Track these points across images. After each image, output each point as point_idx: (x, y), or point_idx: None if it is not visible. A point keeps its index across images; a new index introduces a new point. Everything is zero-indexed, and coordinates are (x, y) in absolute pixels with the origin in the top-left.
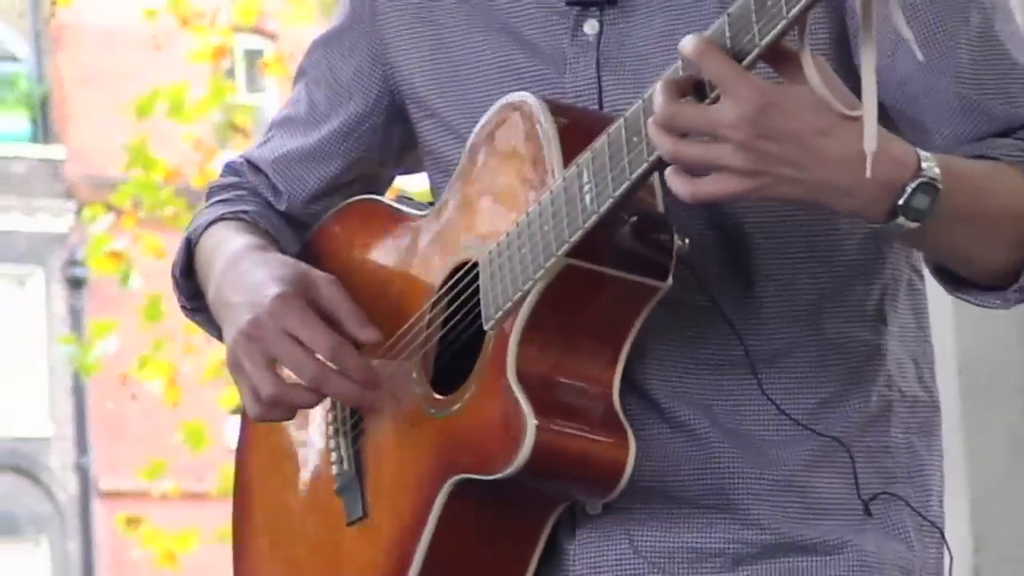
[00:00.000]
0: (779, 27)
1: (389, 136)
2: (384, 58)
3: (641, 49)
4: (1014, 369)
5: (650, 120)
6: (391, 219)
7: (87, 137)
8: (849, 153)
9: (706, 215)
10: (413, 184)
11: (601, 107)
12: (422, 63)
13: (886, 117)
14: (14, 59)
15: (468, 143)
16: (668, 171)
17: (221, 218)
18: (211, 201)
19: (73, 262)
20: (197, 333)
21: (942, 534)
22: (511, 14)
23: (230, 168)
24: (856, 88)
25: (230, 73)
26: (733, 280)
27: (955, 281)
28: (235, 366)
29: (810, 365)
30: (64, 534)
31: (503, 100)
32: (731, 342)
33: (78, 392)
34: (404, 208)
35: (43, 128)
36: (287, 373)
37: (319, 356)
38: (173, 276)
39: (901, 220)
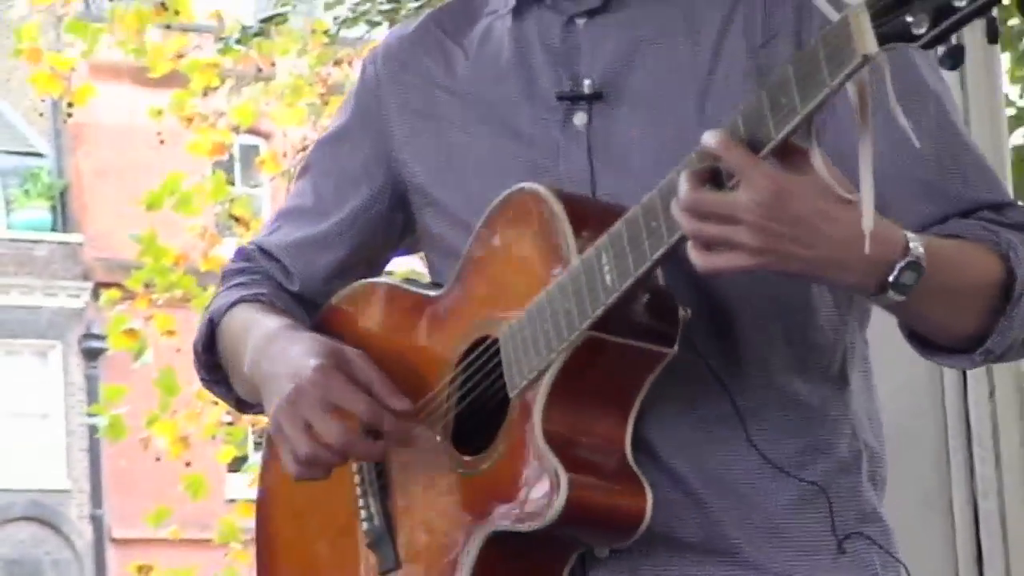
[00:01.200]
0: (794, 122)
1: (392, 222)
2: (388, 151)
3: (627, 139)
4: (926, 438)
5: (675, 204)
6: (404, 298)
7: (102, 224)
8: (848, 234)
9: (696, 291)
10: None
11: (594, 192)
12: (424, 155)
13: None
14: (37, 155)
15: (477, 228)
16: (689, 246)
17: (242, 300)
18: (227, 285)
19: (89, 335)
20: (205, 399)
21: (907, 570)
22: (504, 108)
23: (241, 254)
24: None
25: (229, 167)
26: (721, 346)
27: (926, 344)
28: (277, 430)
29: (789, 419)
30: None
31: (514, 187)
32: (721, 399)
33: (93, 451)
34: (414, 288)
35: (63, 217)
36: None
37: (357, 422)
38: (195, 351)
39: (891, 294)
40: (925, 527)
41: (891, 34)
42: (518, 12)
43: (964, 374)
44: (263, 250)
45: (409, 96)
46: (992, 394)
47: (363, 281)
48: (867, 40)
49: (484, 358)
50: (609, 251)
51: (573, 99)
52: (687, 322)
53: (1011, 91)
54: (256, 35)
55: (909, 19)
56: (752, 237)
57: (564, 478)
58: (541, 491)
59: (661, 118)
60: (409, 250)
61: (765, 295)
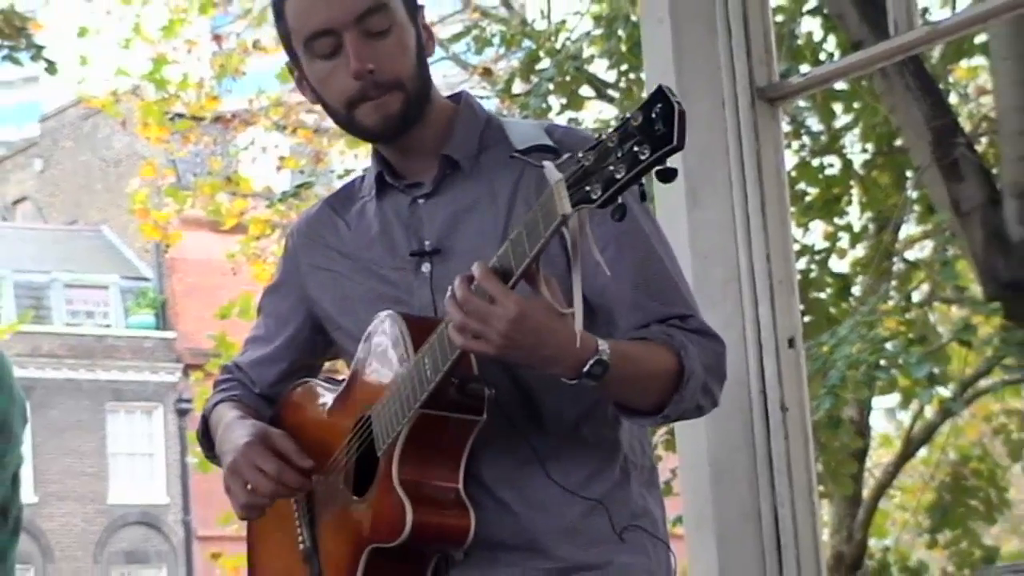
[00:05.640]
0: (527, 262)
1: (314, 343)
2: (306, 295)
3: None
4: (742, 466)
5: (448, 298)
6: (320, 391)
7: (189, 326)
8: (562, 340)
9: (508, 375)
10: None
11: (436, 314)
12: (328, 295)
13: (592, 311)
14: (145, 279)
15: (360, 343)
16: (451, 329)
17: (223, 400)
18: (216, 390)
19: (180, 400)
20: None
21: (668, 546)
22: (374, 262)
23: (226, 369)
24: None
25: None
26: (527, 411)
27: (621, 408)
28: (227, 488)
29: (577, 456)
30: (176, 564)
31: (377, 315)
32: (526, 446)
33: (184, 478)
34: (328, 384)
35: (163, 321)
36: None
37: (271, 477)
38: (198, 438)
39: (584, 380)
40: (742, 528)
41: (578, 199)
42: (379, 196)
43: (768, 423)
44: (237, 366)
45: (313, 257)
46: (787, 436)
47: (298, 382)
48: (564, 204)
49: (365, 428)
50: (428, 354)
51: (420, 254)
52: (493, 397)
53: (797, 232)
54: (292, 196)
55: (588, 188)
56: (498, 338)
57: (410, 511)
58: (398, 519)
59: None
60: (333, 357)
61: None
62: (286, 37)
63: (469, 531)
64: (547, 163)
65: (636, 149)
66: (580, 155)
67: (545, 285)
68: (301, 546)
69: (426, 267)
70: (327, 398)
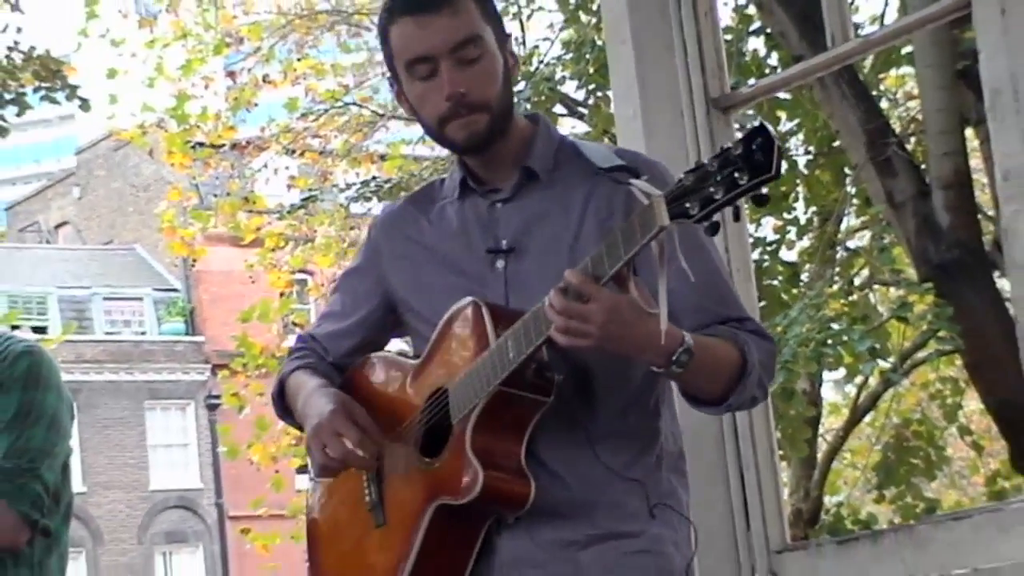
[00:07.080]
0: (620, 264)
1: (386, 322)
2: (384, 279)
3: (527, 276)
4: (710, 434)
5: (548, 307)
6: (395, 365)
7: (215, 331)
8: (651, 332)
9: (568, 363)
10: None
11: (507, 306)
12: (406, 281)
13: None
14: (175, 291)
15: (439, 324)
16: (554, 332)
17: (299, 368)
18: (292, 357)
19: (210, 397)
20: (286, 433)
21: (691, 523)
22: (453, 256)
23: (301, 339)
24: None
25: (289, 293)
26: (582, 397)
27: (692, 399)
28: (308, 449)
29: (623, 439)
30: (211, 542)
31: (462, 301)
32: (580, 430)
33: (215, 464)
34: (401, 359)
35: (191, 326)
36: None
37: (348, 444)
38: (272, 398)
39: (673, 368)
40: (713, 490)
41: (677, 213)
42: (461, 197)
43: None
44: (312, 336)
45: (394, 247)
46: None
47: (370, 355)
48: (664, 216)
49: (440, 400)
50: (512, 339)
51: (496, 252)
52: (559, 382)
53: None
54: (299, 208)
55: (688, 205)
56: (597, 330)
57: (481, 473)
58: (468, 480)
59: (547, 263)
60: (400, 336)
61: (607, 366)
62: (389, 58)
63: (529, 496)
64: (635, 181)
65: (736, 175)
66: (681, 176)
67: (635, 287)
68: (367, 499)
69: (500, 263)
70: (398, 371)
